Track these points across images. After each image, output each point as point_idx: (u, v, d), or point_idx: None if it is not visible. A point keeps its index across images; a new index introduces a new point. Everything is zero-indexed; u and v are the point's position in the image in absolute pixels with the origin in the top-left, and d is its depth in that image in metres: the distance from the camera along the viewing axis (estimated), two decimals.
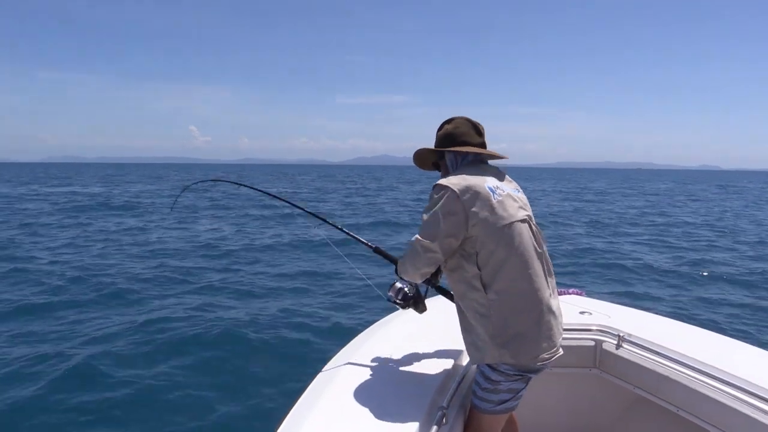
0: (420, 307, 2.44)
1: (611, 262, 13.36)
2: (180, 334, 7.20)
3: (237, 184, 3.45)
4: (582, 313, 3.20)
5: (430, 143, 2.41)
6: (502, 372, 2.15)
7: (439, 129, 2.40)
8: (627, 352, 2.84)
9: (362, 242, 2.75)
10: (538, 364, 2.13)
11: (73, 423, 4.94)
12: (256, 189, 3.44)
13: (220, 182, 3.80)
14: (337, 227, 2.91)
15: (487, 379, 2.19)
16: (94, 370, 5.92)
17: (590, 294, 3.69)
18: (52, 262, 12.39)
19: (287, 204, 3.11)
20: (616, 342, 2.90)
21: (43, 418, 5.00)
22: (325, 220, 2.93)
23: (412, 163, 2.50)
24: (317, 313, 8.34)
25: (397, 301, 2.41)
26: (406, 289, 2.39)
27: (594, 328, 3.04)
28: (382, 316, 3.16)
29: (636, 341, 2.86)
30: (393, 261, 2.50)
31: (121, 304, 8.83)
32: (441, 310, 2.69)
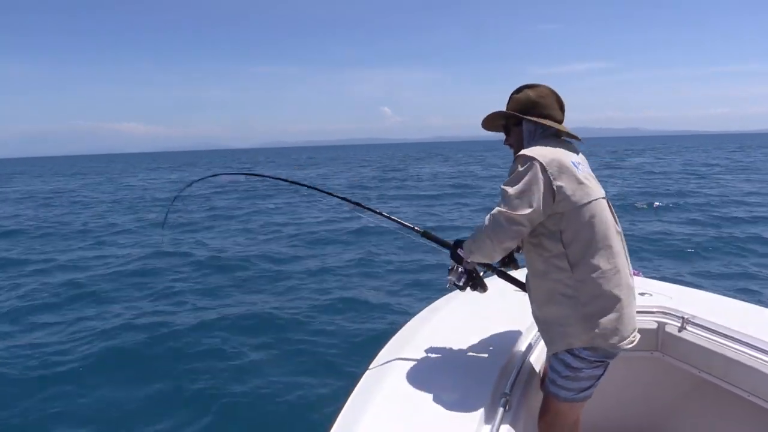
0: (482, 288, 2.36)
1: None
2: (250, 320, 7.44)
3: (259, 176, 3.29)
4: (642, 294, 3.09)
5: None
6: (584, 358, 2.08)
7: (518, 91, 2.26)
8: (691, 334, 2.76)
9: (408, 227, 2.60)
10: (624, 346, 2.07)
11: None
12: (287, 181, 3.20)
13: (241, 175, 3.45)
14: (376, 212, 2.71)
15: (568, 366, 2.12)
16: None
17: (648, 274, 3.55)
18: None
19: (323, 193, 2.96)
20: (679, 324, 2.83)
21: None
22: (362, 205, 2.74)
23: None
24: (370, 299, 8.25)
25: (459, 284, 2.33)
26: (468, 270, 2.31)
27: (655, 309, 2.96)
28: (431, 302, 3.08)
29: (701, 323, 2.78)
30: (444, 244, 2.42)
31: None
32: (494, 291, 2.52)
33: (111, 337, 7.00)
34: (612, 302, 2.04)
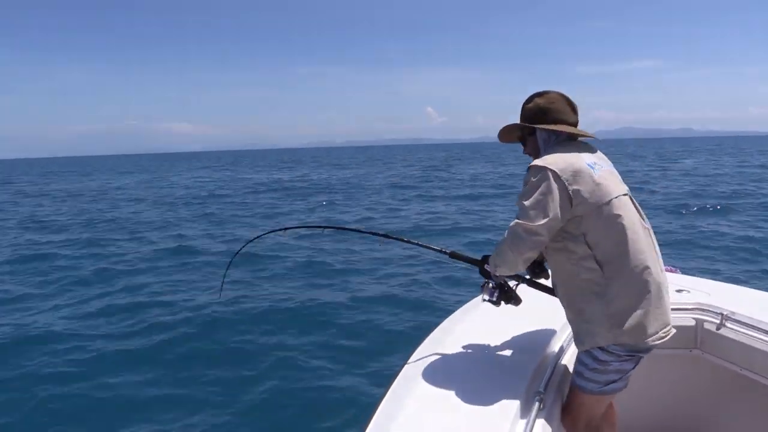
0: (516, 301, 2.40)
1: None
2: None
3: (316, 227, 3.27)
4: (679, 291, 3.06)
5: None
6: (612, 352, 2.08)
7: (528, 102, 2.29)
8: (731, 331, 2.71)
9: (436, 250, 2.59)
10: (653, 342, 2.07)
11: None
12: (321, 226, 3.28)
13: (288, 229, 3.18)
14: (404, 240, 2.72)
15: (596, 359, 2.13)
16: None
17: (686, 271, 3.52)
18: None
19: (351, 231, 3.09)
20: (718, 321, 2.77)
21: None
22: (389, 236, 2.74)
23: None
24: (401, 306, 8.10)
25: (493, 299, 2.37)
26: (498, 285, 2.35)
27: (693, 306, 2.92)
28: (467, 300, 3.13)
29: (741, 319, 2.71)
30: (475, 262, 2.43)
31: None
32: (527, 292, 2.54)
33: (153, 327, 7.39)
34: (639, 299, 2.04)
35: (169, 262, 11.69)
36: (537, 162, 2.11)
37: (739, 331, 2.69)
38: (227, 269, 3.76)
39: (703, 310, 2.89)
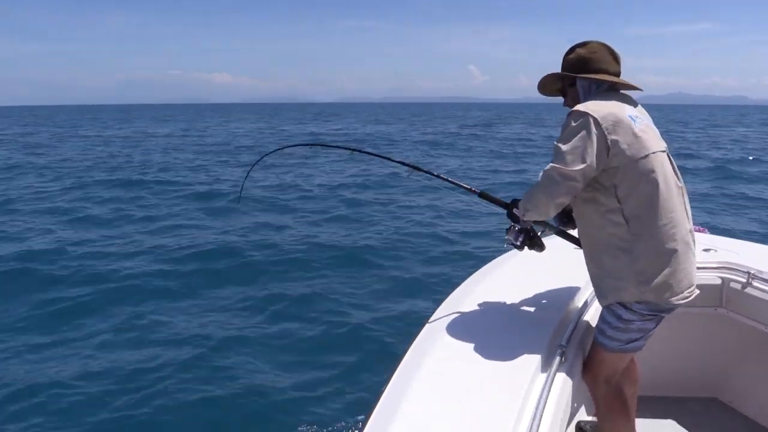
0: (540, 248, 2.38)
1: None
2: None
3: (330, 146, 3.33)
4: (706, 250, 3.02)
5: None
6: (636, 311, 2.07)
7: (569, 52, 2.25)
8: (757, 290, 2.69)
9: (465, 187, 2.59)
10: (677, 303, 2.05)
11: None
12: (347, 148, 3.15)
13: (310, 146, 3.33)
14: (434, 174, 2.70)
15: (619, 318, 2.12)
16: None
17: (714, 231, 3.49)
18: None
19: (379, 157, 2.98)
20: (745, 279, 2.75)
21: None
22: (419, 168, 2.72)
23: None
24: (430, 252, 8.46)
25: (517, 243, 2.34)
26: (524, 230, 2.32)
27: (719, 265, 2.91)
28: (486, 262, 3.11)
29: (767, 278, 2.69)
30: (504, 204, 2.41)
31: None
32: (552, 250, 2.50)
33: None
34: (666, 257, 2.02)
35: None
36: (579, 107, 2.06)
37: (764, 290, 2.66)
38: (245, 179, 4.19)
39: (729, 269, 2.87)
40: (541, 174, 2.07)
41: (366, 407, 1.81)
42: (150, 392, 4.69)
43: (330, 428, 4.22)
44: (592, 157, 1.97)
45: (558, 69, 2.28)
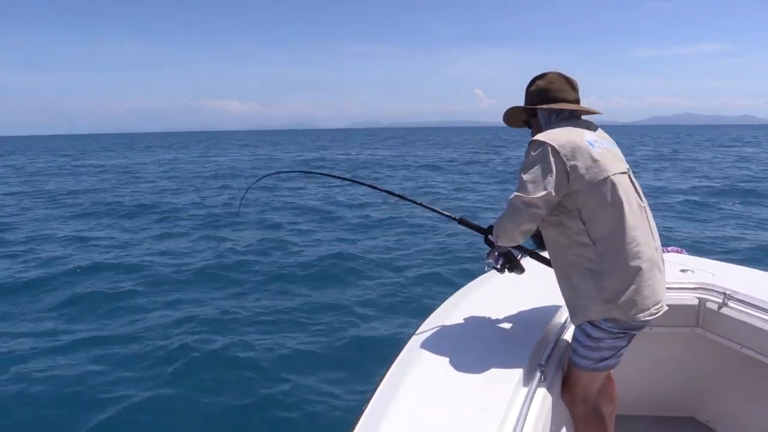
0: (519, 270, 2.46)
1: None
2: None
3: (313, 173, 3.61)
4: (683, 271, 3.07)
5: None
6: (605, 329, 2.13)
7: (530, 85, 2.34)
8: (733, 310, 2.73)
9: (445, 215, 2.70)
10: (644, 319, 2.10)
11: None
12: (332, 175, 3.39)
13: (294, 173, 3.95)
14: (416, 203, 2.83)
15: (589, 336, 2.17)
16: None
17: (691, 252, 3.52)
18: None
19: (365, 185, 3.07)
20: (721, 300, 2.80)
21: None
22: (402, 197, 2.87)
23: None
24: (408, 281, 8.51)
25: (497, 266, 2.43)
26: (503, 253, 2.41)
27: (696, 286, 2.94)
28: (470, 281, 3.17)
29: (743, 299, 2.73)
30: (480, 230, 2.50)
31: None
32: (534, 270, 2.58)
33: None
34: (631, 275, 2.07)
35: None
36: (538, 137, 2.14)
37: (740, 310, 2.71)
38: (243, 198, 5.68)
39: (706, 289, 2.92)
40: (507, 203, 2.17)
41: (352, 417, 1.80)
42: (143, 394, 4.88)
43: None
44: (551, 184, 2.05)
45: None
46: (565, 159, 2.05)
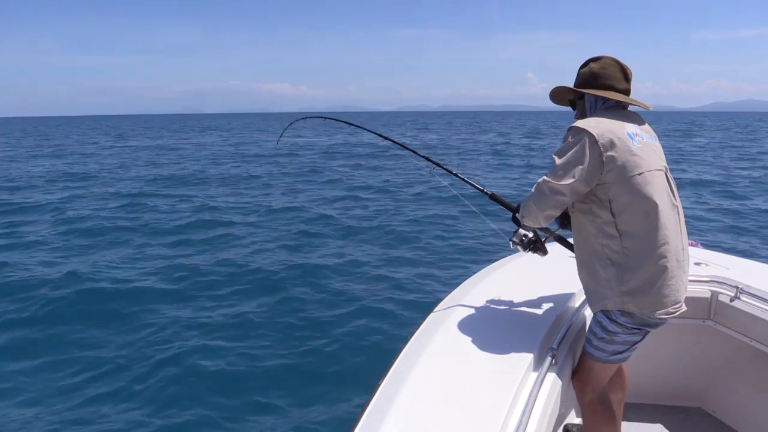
0: (543, 252, 2.50)
1: None
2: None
3: (347, 123, 3.60)
4: (697, 264, 3.13)
5: None
6: (621, 324, 2.14)
7: (583, 66, 2.30)
8: (745, 303, 2.78)
9: (477, 188, 2.75)
10: (660, 317, 2.11)
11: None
12: (366, 129, 3.49)
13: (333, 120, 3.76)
14: (451, 172, 2.87)
15: (605, 329, 2.19)
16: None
17: (706, 246, 3.54)
18: None
19: (399, 146, 3.12)
20: (733, 293, 2.85)
21: None
22: (438, 164, 2.90)
23: None
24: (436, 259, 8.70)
25: (520, 245, 2.47)
26: (529, 234, 2.45)
27: (709, 279, 2.99)
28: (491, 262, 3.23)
29: (755, 293, 2.78)
30: (510, 208, 2.52)
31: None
32: (556, 254, 2.65)
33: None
34: (655, 273, 2.06)
35: None
36: (578, 123, 2.12)
37: (752, 304, 2.75)
38: (282, 133, 4.82)
39: (719, 282, 2.96)
40: (535, 185, 2.17)
41: (368, 392, 1.87)
42: (132, 398, 4.78)
43: (329, 414, 4.40)
44: (582, 173, 2.04)
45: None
46: (602, 149, 2.03)
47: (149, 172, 21.80)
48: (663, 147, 2.28)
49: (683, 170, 20.31)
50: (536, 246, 2.48)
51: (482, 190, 2.72)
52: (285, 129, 4.07)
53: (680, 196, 2.21)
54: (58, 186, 18.03)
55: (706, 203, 13.89)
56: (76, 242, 10.08)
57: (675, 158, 24.96)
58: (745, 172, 20.15)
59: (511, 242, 2.51)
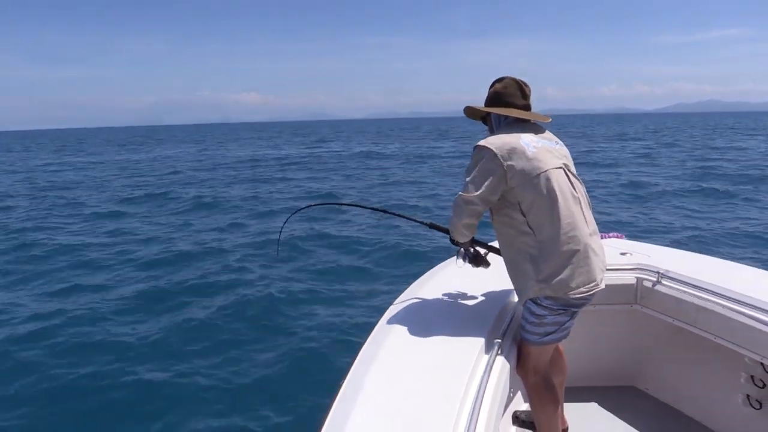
0: (485, 264, 2.79)
1: None
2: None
3: (339, 204, 3.75)
4: (623, 254, 3.40)
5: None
6: (546, 306, 2.37)
7: (491, 86, 2.59)
8: (666, 287, 3.04)
9: (417, 221, 3.06)
10: (577, 297, 2.33)
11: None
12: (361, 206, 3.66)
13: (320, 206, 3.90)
14: (389, 213, 3.15)
15: (533, 314, 2.42)
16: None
17: (630, 237, 3.86)
18: None
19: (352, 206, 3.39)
20: (655, 278, 3.10)
21: None
22: (377, 209, 3.24)
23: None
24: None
25: (467, 263, 2.78)
26: (471, 250, 2.76)
27: (634, 266, 3.24)
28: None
29: (675, 276, 3.05)
30: (445, 231, 2.76)
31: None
32: (498, 259, 2.80)
33: None
34: (565, 258, 2.31)
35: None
36: (480, 142, 2.43)
37: (672, 287, 3.02)
38: (280, 233, 5.32)
39: (642, 269, 3.23)
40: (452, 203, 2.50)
41: (332, 390, 2.02)
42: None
43: (298, 412, 4.58)
44: (488, 183, 2.35)
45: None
46: (502, 160, 2.32)
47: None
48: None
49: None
50: (478, 260, 2.77)
51: (422, 222, 3.01)
52: (285, 222, 3.80)
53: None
54: None
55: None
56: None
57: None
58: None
59: (456, 262, 2.81)
